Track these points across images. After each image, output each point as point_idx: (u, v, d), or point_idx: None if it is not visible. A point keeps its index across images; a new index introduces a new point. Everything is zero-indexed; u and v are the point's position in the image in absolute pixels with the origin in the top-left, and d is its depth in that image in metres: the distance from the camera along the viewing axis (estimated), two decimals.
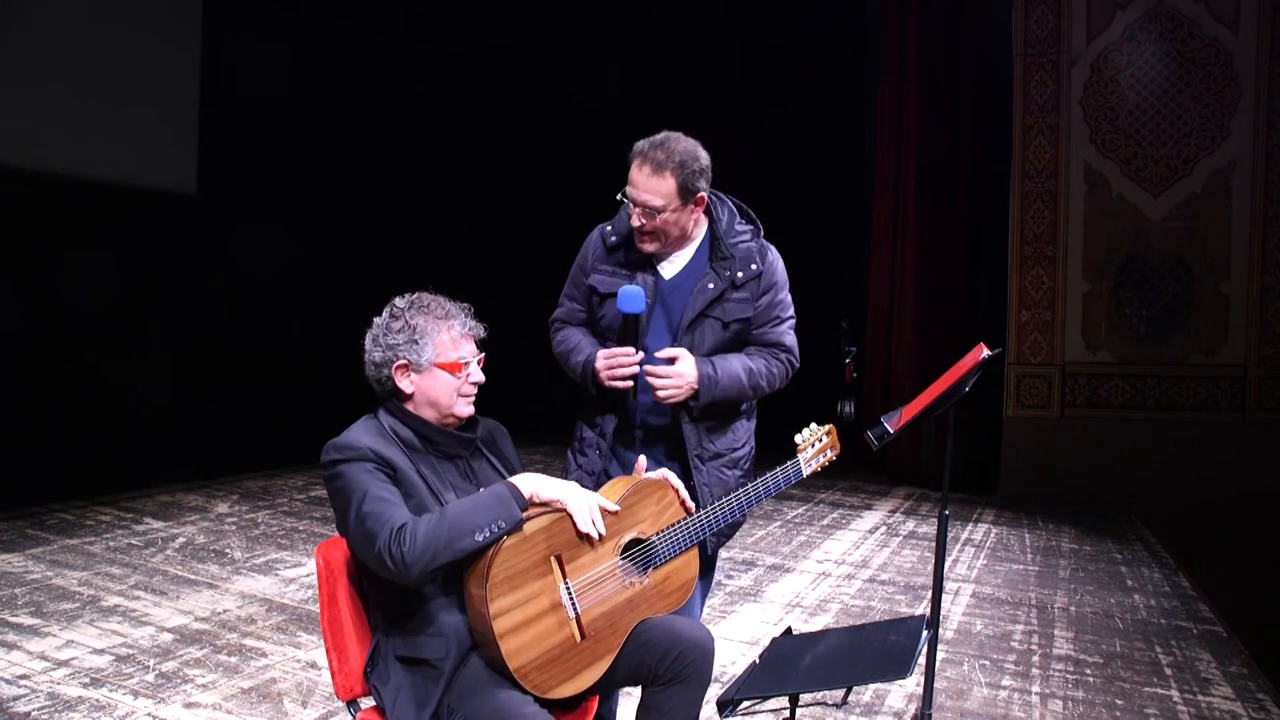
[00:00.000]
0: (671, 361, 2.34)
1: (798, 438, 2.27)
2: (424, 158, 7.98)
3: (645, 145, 2.32)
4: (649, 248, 2.37)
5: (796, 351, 2.50)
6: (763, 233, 2.48)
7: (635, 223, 2.33)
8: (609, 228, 2.48)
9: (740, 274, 2.38)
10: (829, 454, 2.31)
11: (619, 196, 2.36)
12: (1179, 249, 7.28)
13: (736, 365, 2.39)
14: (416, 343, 2.00)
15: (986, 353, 2.32)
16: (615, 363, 2.33)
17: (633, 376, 2.33)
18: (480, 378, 2.06)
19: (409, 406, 2.03)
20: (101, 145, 5.70)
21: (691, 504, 2.11)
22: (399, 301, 2.07)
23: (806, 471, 2.25)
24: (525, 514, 1.89)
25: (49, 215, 5.46)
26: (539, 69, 8.82)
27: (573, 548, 1.93)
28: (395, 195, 7.72)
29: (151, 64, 5.94)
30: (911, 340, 7.96)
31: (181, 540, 4.93)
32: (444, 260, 7.78)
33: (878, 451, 2.48)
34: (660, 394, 2.33)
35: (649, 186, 2.28)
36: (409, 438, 2.00)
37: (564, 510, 1.94)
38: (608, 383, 2.34)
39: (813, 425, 2.30)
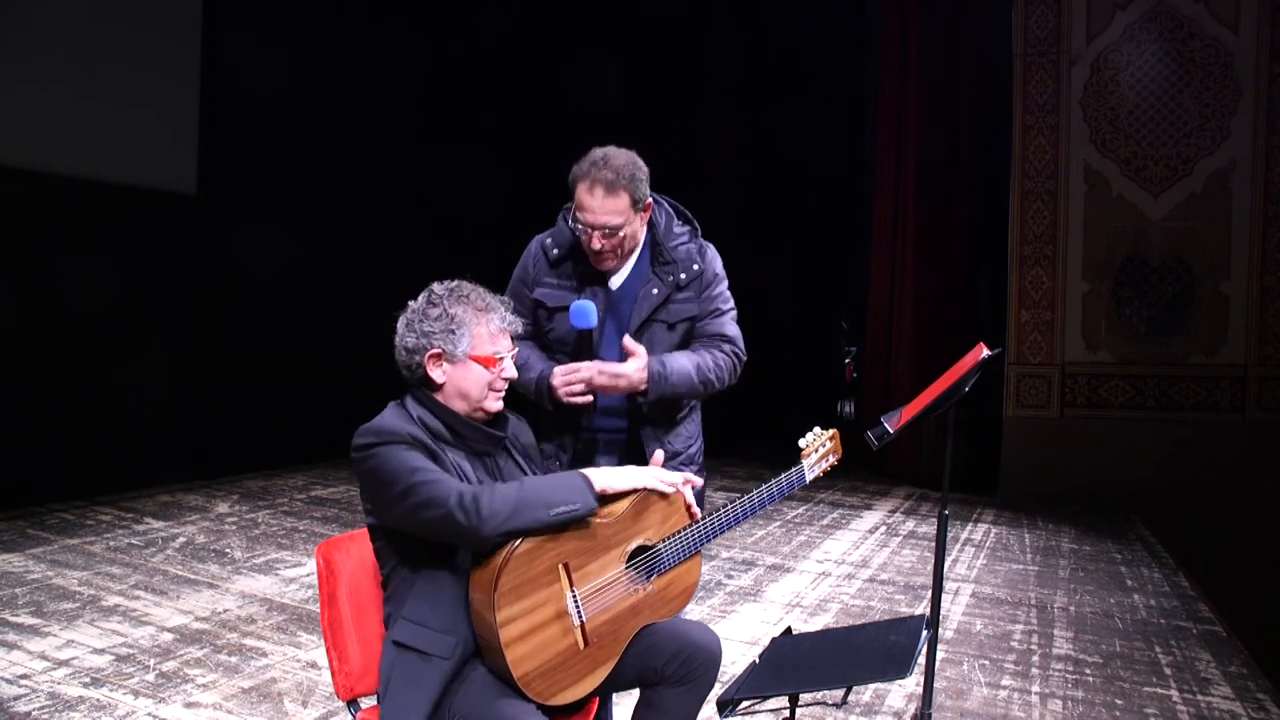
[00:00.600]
0: (624, 357, 2.34)
1: (802, 442, 2.24)
2: (424, 158, 7.98)
3: (587, 168, 2.28)
4: (609, 264, 2.36)
5: (740, 342, 2.51)
6: (700, 232, 2.49)
7: (596, 245, 2.30)
8: (549, 240, 2.45)
9: (683, 276, 2.40)
10: (831, 459, 2.29)
11: (571, 222, 2.34)
12: (1179, 249, 7.28)
13: (685, 361, 2.40)
14: (453, 333, 1.95)
15: (986, 353, 2.31)
16: (573, 378, 2.32)
17: (591, 391, 2.33)
18: (513, 374, 2.04)
19: (438, 397, 1.99)
20: (101, 145, 5.70)
21: (698, 510, 2.10)
22: (438, 288, 2.02)
23: (810, 477, 2.23)
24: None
25: (49, 215, 5.46)
26: (539, 69, 8.82)
27: (580, 555, 1.91)
28: (395, 195, 7.72)
29: (151, 64, 5.94)
30: (911, 340, 7.95)
31: (181, 540, 4.93)
32: (444, 260, 7.76)
33: (878, 451, 2.48)
34: (598, 381, 2.31)
35: (606, 208, 2.27)
36: (438, 429, 1.96)
37: (645, 490, 1.98)
38: (565, 399, 2.33)
39: (816, 429, 2.27)
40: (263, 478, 6.56)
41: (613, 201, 2.26)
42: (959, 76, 7.97)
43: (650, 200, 2.36)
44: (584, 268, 2.40)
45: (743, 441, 8.28)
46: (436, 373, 1.97)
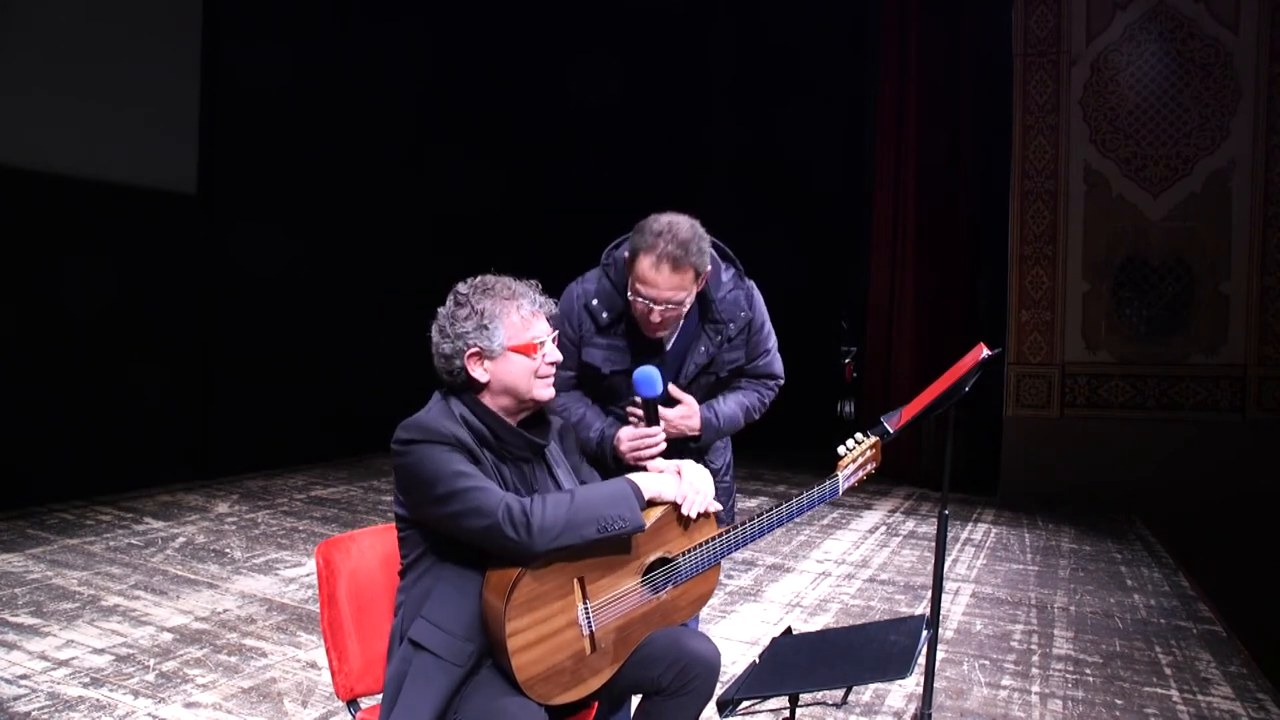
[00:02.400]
0: (673, 403, 2.35)
1: (842, 449, 2.14)
2: (424, 158, 7.99)
3: (652, 241, 2.18)
4: (663, 333, 2.35)
5: (782, 373, 2.56)
6: (744, 272, 2.45)
7: (655, 319, 2.24)
8: (594, 301, 2.35)
9: (732, 328, 2.40)
10: (869, 467, 2.19)
11: (630, 295, 2.24)
12: (1179, 249, 7.28)
13: (734, 407, 2.47)
14: (486, 328, 1.89)
15: (986, 353, 2.31)
16: (641, 444, 2.31)
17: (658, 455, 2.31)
18: (557, 356, 1.97)
19: (485, 398, 1.93)
20: (101, 145, 5.70)
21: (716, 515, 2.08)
22: (462, 287, 1.95)
23: (843, 488, 2.14)
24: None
25: (49, 215, 5.46)
26: (539, 69, 8.82)
27: (598, 569, 1.90)
28: (395, 195, 7.72)
29: (151, 64, 5.94)
30: (911, 340, 7.96)
31: (181, 540, 4.93)
32: (443, 260, 7.76)
33: None
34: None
35: (672, 284, 2.19)
36: (480, 430, 1.91)
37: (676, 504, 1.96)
38: (633, 462, 2.30)
39: (858, 436, 2.16)
40: (263, 478, 6.56)
41: (678, 277, 2.19)
42: (959, 76, 7.97)
43: (710, 268, 2.29)
44: (636, 330, 2.35)
45: (740, 442, 8.24)
46: (478, 371, 1.91)
